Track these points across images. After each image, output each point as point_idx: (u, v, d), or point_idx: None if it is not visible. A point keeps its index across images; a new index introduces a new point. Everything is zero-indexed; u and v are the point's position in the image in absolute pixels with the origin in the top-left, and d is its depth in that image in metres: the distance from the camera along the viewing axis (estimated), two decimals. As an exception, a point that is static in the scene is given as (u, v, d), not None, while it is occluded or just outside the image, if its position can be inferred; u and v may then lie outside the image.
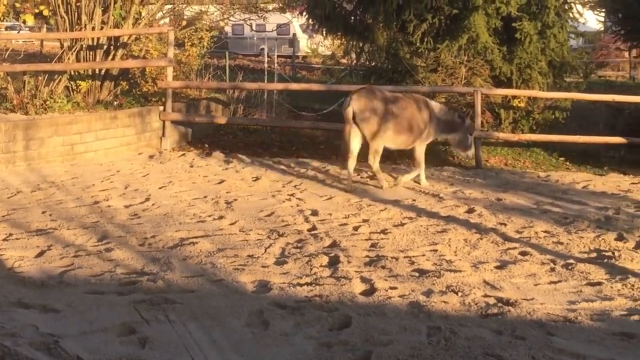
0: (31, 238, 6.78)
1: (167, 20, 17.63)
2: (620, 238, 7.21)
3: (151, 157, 11.73)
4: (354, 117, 9.33)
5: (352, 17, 15.22)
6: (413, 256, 6.42)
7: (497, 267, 6.14)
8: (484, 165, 12.02)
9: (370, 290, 5.44)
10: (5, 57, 14.24)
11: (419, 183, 9.98)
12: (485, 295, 5.38)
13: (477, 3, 12.61)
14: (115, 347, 4.36)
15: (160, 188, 9.30)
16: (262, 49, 33.02)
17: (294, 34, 31.66)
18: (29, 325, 4.60)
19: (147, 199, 8.59)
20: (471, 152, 10.92)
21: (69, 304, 5.05)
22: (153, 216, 7.78)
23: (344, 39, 16.05)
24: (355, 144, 9.51)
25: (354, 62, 16.19)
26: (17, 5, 15.61)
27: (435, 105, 10.27)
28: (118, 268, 5.91)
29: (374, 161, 9.58)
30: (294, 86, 14.64)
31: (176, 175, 10.27)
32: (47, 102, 11.94)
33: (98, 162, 10.99)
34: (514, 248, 6.79)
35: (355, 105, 9.34)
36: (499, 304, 5.17)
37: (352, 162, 9.56)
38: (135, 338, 4.48)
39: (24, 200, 8.38)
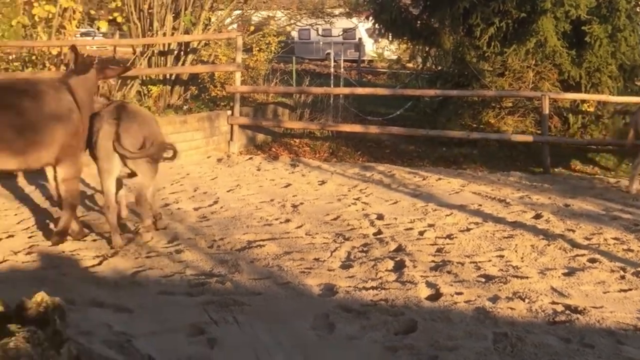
0: (104, 239, 6.98)
1: (234, 25, 17.91)
2: (693, 246, 7.05)
3: (219, 160, 11.93)
4: None
5: (418, 22, 15.22)
6: (479, 262, 6.40)
7: (565, 274, 6.07)
8: (552, 171, 11.85)
9: (436, 295, 5.45)
10: (80, 62, 14.65)
11: None
12: (553, 302, 5.33)
13: (545, 6, 12.47)
14: (184, 347, 4.46)
15: (228, 191, 9.47)
16: (328, 54, 33.22)
17: (360, 39, 31.73)
18: (102, 324, 4.73)
19: (216, 202, 8.75)
20: None
21: (140, 304, 5.19)
22: (221, 219, 7.92)
23: (410, 44, 16.07)
24: None
25: (420, 66, 16.19)
26: (92, 12, 16.08)
27: None
28: (188, 269, 6.05)
29: None
30: (360, 91, 14.70)
31: (244, 178, 10.42)
32: (120, 107, 12.22)
33: (168, 165, 11.20)
34: (583, 255, 6.70)
35: None
36: (567, 312, 5.12)
37: None
38: (204, 339, 4.58)
39: (99, 202, 8.62)
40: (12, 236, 7.01)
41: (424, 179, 10.61)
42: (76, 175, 6.93)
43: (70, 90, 6.73)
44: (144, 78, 13.37)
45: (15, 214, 7.97)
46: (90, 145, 6.80)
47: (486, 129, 13.68)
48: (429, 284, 5.69)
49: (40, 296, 3.94)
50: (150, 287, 5.60)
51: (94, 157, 6.85)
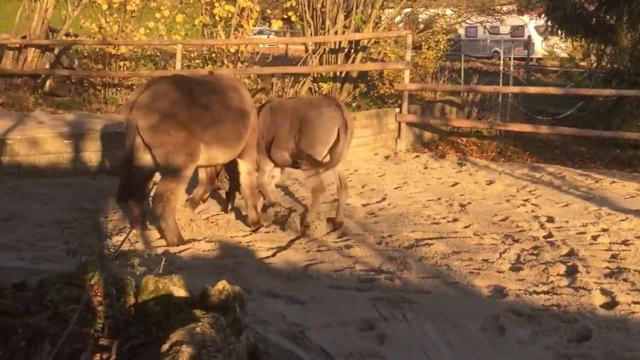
0: (277, 231, 7.26)
1: (401, 24, 17.97)
2: None
3: (387, 157, 12.05)
4: None
5: (594, 19, 14.65)
6: (658, 271, 6.12)
7: None
8: None
9: (612, 304, 5.26)
10: (256, 60, 15.25)
11: None
12: None
13: None
14: (355, 341, 4.57)
15: (395, 188, 9.55)
16: (495, 51, 32.56)
17: (529, 36, 30.87)
18: (277, 314, 4.92)
19: (384, 199, 8.86)
20: None
21: (312, 296, 5.35)
22: (389, 216, 8.01)
23: (583, 41, 15.50)
24: None
25: (594, 65, 15.58)
26: (269, 11, 16.66)
27: None
28: (357, 264, 6.17)
29: None
30: (531, 90, 14.39)
31: (411, 176, 10.47)
32: (292, 103, 12.62)
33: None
34: None
35: None
36: None
37: None
38: (373, 334, 4.66)
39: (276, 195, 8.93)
40: (193, 225, 7.41)
41: (596, 182, 10.24)
42: (254, 168, 7.43)
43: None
44: (315, 75, 13.70)
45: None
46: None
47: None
48: (604, 292, 5.51)
49: (222, 284, 4.18)
50: (322, 280, 5.76)
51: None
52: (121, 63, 14.20)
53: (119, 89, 14.15)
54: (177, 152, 6.55)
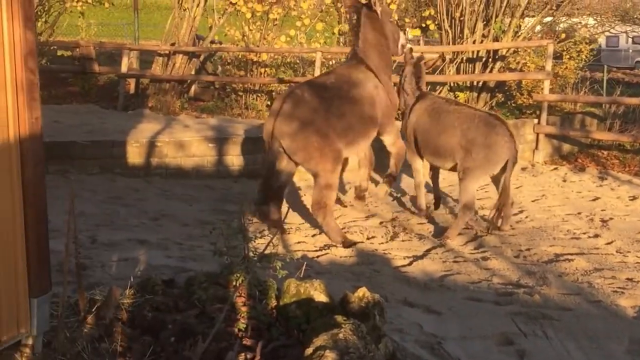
0: (412, 240, 7.30)
1: (540, 33, 17.58)
2: None
3: (524, 169, 11.83)
4: None
5: None
6: None
7: None
8: None
9: None
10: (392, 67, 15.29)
11: None
12: None
13: None
14: (494, 355, 4.55)
15: (533, 201, 9.38)
16: (638, 62, 31.27)
17: (675, 46, 29.50)
18: (414, 323, 4.97)
19: (521, 211, 8.72)
20: None
21: (449, 307, 5.37)
22: (527, 229, 7.89)
23: None
24: None
25: None
26: (406, 20, 16.70)
27: None
28: (494, 277, 6.14)
29: None
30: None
31: (549, 189, 10.25)
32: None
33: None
34: None
35: None
36: None
37: None
38: (513, 349, 4.63)
39: (410, 204, 9.00)
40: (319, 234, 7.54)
41: None
42: (398, 136, 8.03)
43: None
44: (452, 84, 13.64)
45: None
46: None
47: None
48: None
49: (362, 291, 4.28)
50: (458, 292, 5.77)
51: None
52: (262, 70, 14.61)
53: (259, 95, 14.56)
54: (323, 161, 6.90)
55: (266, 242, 4.28)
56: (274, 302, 4.35)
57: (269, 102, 13.91)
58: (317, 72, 13.36)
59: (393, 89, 8.04)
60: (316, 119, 6.94)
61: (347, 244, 6.92)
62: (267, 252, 4.30)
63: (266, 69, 14.61)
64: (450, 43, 13.81)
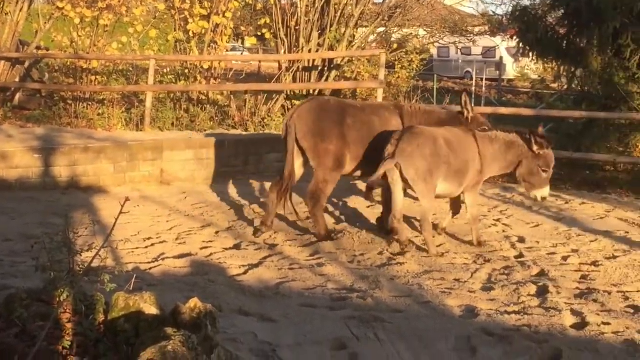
0: (250, 248, 7.22)
1: (374, 43, 18.06)
2: None
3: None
4: None
5: (565, 42, 14.80)
6: (627, 291, 6.14)
7: None
8: None
9: (582, 324, 5.28)
10: (229, 76, 15.21)
11: None
12: None
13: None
14: (327, 360, 4.55)
15: (368, 207, 9.51)
16: (467, 72, 32.85)
17: (501, 57, 31.20)
18: (248, 332, 4.88)
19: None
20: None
21: (285, 314, 5.31)
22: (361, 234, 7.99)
23: (555, 63, 15.66)
24: None
25: (565, 87, 15.75)
26: (243, 28, 16.64)
27: None
28: (329, 283, 6.15)
29: None
30: (503, 110, 14.45)
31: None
32: (265, 120, 12.62)
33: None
34: None
35: None
36: None
37: None
38: (346, 353, 4.63)
39: (248, 213, 8.91)
40: (164, 242, 7.36)
41: (566, 203, 10.32)
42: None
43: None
44: (289, 93, 13.71)
45: (167, 221, 8.35)
46: None
47: (633, 152, 13.14)
48: (574, 312, 5.54)
49: (194, 302, 4.14)
50: (294, 299, 5.73)
51: None
52: (92, 77, 14.10)
53: (89, 103, 14.03)
54: (327, 158, 7.58)
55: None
56: (102, 317, 4.12)
57: (100, 111, 13.44)
58: (151, 80, 13.05)
59: None
60: (330, 123, 7.58)
61: (325, 237, 7.50)
62: (94, 265, 4.07)
63: (97, 77, 14.10)
64: (286, 52, 13.89)
